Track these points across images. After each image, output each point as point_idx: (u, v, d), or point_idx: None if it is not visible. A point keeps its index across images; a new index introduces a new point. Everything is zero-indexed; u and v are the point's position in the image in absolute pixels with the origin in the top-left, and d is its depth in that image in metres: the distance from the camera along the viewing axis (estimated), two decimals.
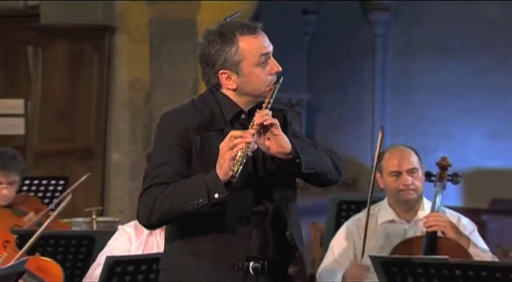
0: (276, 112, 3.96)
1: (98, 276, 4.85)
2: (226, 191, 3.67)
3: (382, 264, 4.70)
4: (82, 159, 8.77)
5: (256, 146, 3.73)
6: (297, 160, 3.83)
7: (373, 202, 5.67)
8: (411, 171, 5.49)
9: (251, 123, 3.77)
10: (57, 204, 6.08)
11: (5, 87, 9.61)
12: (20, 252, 4.97)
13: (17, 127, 9.36)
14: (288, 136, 3.92)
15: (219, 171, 3.68)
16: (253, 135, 3.71)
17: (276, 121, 3.81)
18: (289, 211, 4.01)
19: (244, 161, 3.67)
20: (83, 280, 5.23)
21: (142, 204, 3.82)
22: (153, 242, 5.24)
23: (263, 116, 3.77)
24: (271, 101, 3.88)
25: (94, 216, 6.31)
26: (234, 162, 3.66)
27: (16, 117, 9.45)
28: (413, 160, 5.55)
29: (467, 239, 5.37)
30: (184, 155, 3.84)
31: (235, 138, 3.67)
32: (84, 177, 6.39)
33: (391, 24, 11.74)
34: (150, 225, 3.97)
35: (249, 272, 3.93)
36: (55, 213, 5.31)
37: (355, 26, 11.73)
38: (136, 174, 8.75)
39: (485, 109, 10.48)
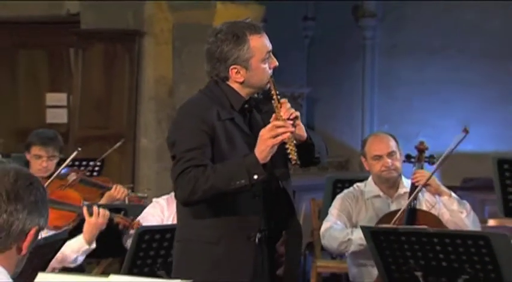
0: (265, 100, 4.11)
1: None
2: (265, 173, 3.74)
3: (371, 233, 4.67)
4: (115, 144, 8.74)
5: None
6: (311, 145, 3.98)
7: (360, 180, 5.77)
8: (390, 154, 5.51)
9: (276, 115, 3.84)
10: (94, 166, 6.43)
11: (51, 83, 9.63)
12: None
13: (61, 117, 9.38)
14: (263, 112, 4.11)
15: (259, 156, 3.73)
16: (292, 125, 3.81)
17: (298, 113, 3.91)
18: (288, 187, 4.06)
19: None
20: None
21: (183, 184, 3.82)
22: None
23: (289, 108, 3.88)
24: (278, 92, 3.93)
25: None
26: (288, 151, 3.80)
27: (60, 108, 9.48)
28: (392, 145, 5.57)
29: (447, 190, 5.45)
30: (209, 140, 3.85)
31: (277, 127, 3.74)
32: (119, 143, 6.72)
33: (378, 28, 11.68)
34: (191, 202, 3.92)
35: (256, 242, 3.95)
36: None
37: (347, 30, 11.65)
38: (161, 157, 8.76)
39: (459, 101, 10.42)
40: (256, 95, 4.12)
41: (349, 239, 5.31)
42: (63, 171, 6.03)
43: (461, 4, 10.71)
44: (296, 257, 4.26)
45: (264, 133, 3.75)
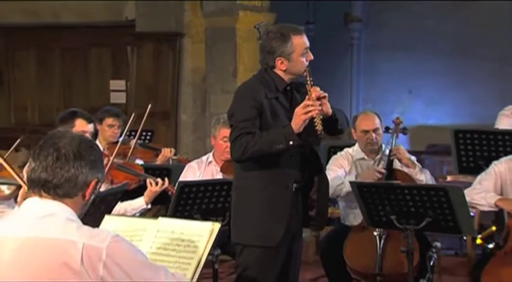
0: (298, 85, 4.17)
1: None
2: (298, 140, 3.88)
3: (357, 186, 4.64)
4: (162, 119, 8.80)
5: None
6: (335, 120, 4.14)
7: (348, 146, 5.72)
8: (375, 130, 5.49)
9: (308, 96, 3.96)
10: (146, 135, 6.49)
11: (114, 73, 9.64)
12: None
13: (121, 98, 9.42)
14: (299, 94, 4.17)
15: (294, 127, 3.89)
16: (320, 105, 3.93)
17: (326, 94, 4.00)
18: (318, 151, 4.26)
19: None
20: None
21: (237, 146, 3.99)
22: (209, 171, 5.30)
23: (319, 91, 3.97)
24: (311, 78, 4.03)
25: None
26: (316, 124, 3.94)
27: (120, 92, 9.51)
28: (377, 122, 5.52)
29: (414, 163, 5.42)
30: (258, 114, 3.98)
31: (308, 106, 3.87)
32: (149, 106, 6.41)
33: (363, 31, 11.64)
34: (242, 161, 4.07)
35: (293, 190, 4.08)
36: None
37: (339, 32, 11.61)
38: (196, 129, 8.84)
39: (424, 87, 10.39)
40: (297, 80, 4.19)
41: (342, 183, 5.31)
42: (126, 138, 6.07)
43: (425, 12, 10.67)
44: (325, 201, 4.33)
45: (298, 110, 3.89)
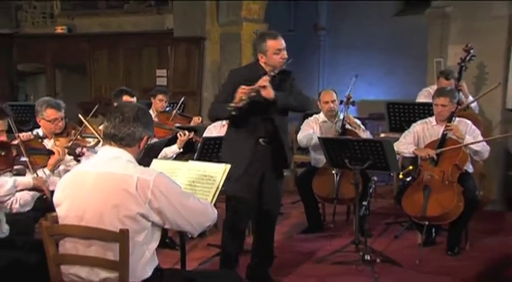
0: (286, 72, 3.90)
1: None
2: (237, 110, 3.63)
3: (323, 140, 4.65)
4: (191, 95, 8.73)
5: (254, 94, 3.66)
6: (279, 103, 3.77)
7: (317, 113, 5.63)
8: (333, 101, 5.44)
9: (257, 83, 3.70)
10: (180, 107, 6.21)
11: (158, 64, 9.40)
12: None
13: (163, 81, 9.19)
14: (286, 87, 3.88)
15: (234, 101, 3.64)
16: (251, 89, 3.65)
17: (265, 84, 3.68)
18: (281, 119, 3.92)
19: (245, 100, 3.62)
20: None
21: (209, 110, 3.93)
22: (222, 131, 5.12)
23: (263, 81, 3.68)
24: (276, 71, 3.78)
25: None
26: (236, 99, 3.63)
27: (163, 77, 9.31)
28: (334, 96, 5.49)
29: (359, 125, 5.43)
30: (232, 91, 3.71)
31: (243, 89, 3.63)
32: (182, 99, 6.29)
33: (327, 36, 11.60)
34: (211, 119, 4.18)
35: (262, 144, 3.88)
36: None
37: (311, 37, 11.57)
38: None
39: (367, 73, 10.24)
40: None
41: (312, 138, 5.31)
42: (167, 109, 6.04)
43: (370, 23, 10.60)
44: (286, 150, 3.96)
45: (240, 88, 3.65)
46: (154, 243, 2.45)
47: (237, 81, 3.77)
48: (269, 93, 3.71)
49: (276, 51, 3.78)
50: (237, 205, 3.87)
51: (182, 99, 6.27)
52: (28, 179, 2.95)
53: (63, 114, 4.17)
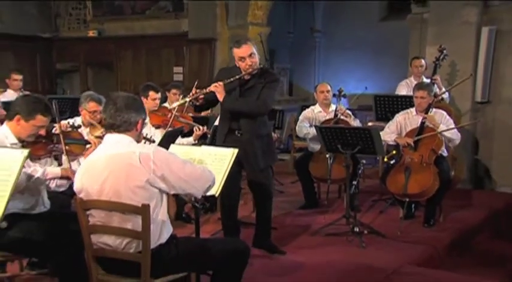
0: (264, 76, 3.67)
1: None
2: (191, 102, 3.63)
3: (319, 128, 4.61)
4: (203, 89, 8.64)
5: (202, 96, 3.59)
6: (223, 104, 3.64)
7: (314, 105, 5.56)
8: (328, 91, 5.37)
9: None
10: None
11: (175, 62, 9.33)
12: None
13: (179, 77, 9.15)
14: (257, 90, 3.64)
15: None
16: (202, 93, 3.58)
17: (213, 89, 3.56)
18: (247, 118, 3.73)
19: (194, 98, 3.58)
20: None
21: None
22: None
23: (213, 86, 3.57)
24: (238, 76, 3.58)
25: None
26: (192, 95, 3.60)
27: (179, 74, 9.25)
28: (328, 87, 5.41)
29: (350, 115, 5.33)
30: None
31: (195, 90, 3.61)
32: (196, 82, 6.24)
33: (322, 38, 11.49)
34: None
35: (236, 133, 3.76)
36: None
37: (308, 39, 11.46)
38: None
39: (356, 70, 10.28)
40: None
41: (308, 132, 5.29)
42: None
43: (358, 27, 10.53)
44: (256, 145, 3.77)
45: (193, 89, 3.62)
46: (164, 209, 2.47)
47: (219, 78, 3.67)
48: (219, 96, 3.60)
49: (239, 58, 3.60)
50: None
51: (196, 82, 6.18)
52: (57, 169, 2.97)
53: (101, 108, 4.16)
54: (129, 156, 2.39)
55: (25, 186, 2.77)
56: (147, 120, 4.44)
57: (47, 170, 2.91)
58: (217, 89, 3.59)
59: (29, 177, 2.79)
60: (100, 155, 2.50)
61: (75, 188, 2.53)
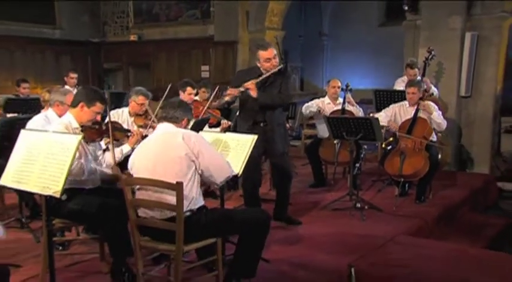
0: (281, 73, 3.61)
1: None
2: (227, 102, 3.61)
3: (327, 118, 4.58)
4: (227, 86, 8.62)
5: (243, 91, 3.50)
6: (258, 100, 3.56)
7: (323, 96, 5.50)
8: (338, 87, 5.35)
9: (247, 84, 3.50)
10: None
11: (203, 62, 9.32)
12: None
13: (206, 75, 9.17)
14: (278, 85, 3.58)
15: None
16: (239, 91, 3.52)
17: (249, 86, 3.49)
18: (272, 110, 3.68)
19: (230, 99, 3.53)
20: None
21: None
22: None
23: (248, 84, 3.51)
24: (269, 73, 3.53)
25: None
26: (227, 95, 3.55)
27: (206, 72, 9.26)
28: (339, 84, 5.39)
29: (355, 105, 5.31)
30: (235, 86, 3.59)
31: (230, 90, 3.55)
32: (217, 88, 6.09)
33: (329, 40, 11.37)
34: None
35: (261, 125, 3.70)
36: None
37: (317, 41, 11.34)
38: None
39: (359, 69, 10.15)
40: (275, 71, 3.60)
41: (308, 106, 5.30)
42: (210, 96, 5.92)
43: (361, 30, 10.39)
44: (277, 133, 3.73)
45: (229, 90, 3.56)
46: (198, 182, 2.56)
47: (239, 79, 3.65)
48: (253, 93, 3.54)
49: (265, 59, 3.55)
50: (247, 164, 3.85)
51: (217, 88, 6.14)
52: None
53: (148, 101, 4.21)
54: (175, 134, 2.57)
55: (89, 169, 2.87)
56: None
57: (105, 157, 3.07)
58: (252, 87, 3.57)
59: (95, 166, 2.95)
60: (152, 137, 2.68)
61: (129, 163, 2.67)
